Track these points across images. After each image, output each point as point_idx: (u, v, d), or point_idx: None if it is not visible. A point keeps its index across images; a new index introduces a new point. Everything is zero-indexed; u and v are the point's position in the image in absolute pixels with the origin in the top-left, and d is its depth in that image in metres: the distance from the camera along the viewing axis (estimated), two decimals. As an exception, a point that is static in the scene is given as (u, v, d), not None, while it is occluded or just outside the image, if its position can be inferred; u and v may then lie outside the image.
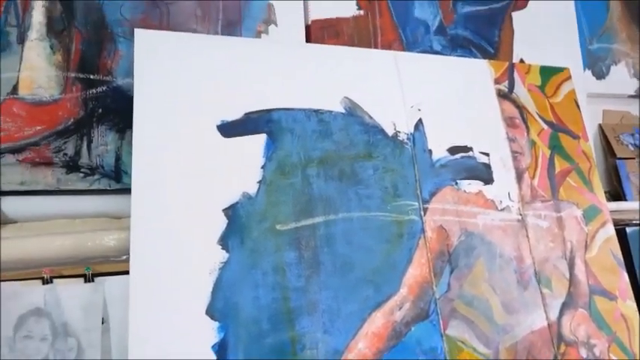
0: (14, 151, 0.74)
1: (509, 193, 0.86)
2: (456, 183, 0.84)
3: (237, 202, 0.71)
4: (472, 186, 0.85)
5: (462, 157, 0.86)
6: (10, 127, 0.74)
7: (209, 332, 0.65)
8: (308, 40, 0.91)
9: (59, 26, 0.79)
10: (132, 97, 0.76)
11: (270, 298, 0.69)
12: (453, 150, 0.86)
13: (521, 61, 1.04)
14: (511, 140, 0.91)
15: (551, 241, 0.86)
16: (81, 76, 0.78)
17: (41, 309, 0.63)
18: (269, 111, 0.77)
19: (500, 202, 0.85)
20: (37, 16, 0.78)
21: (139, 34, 0.75)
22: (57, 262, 0.67)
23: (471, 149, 0.87)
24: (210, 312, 0.65)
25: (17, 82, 0.76)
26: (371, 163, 0.80)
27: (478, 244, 0.81)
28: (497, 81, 0.94)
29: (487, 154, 0.88)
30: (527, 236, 0.84)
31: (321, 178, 0.77)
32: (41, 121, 0.75)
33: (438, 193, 0.82)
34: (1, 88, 0.75)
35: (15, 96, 0.75)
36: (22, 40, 0.77)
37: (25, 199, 0.74)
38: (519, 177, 0.88)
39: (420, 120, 0.85)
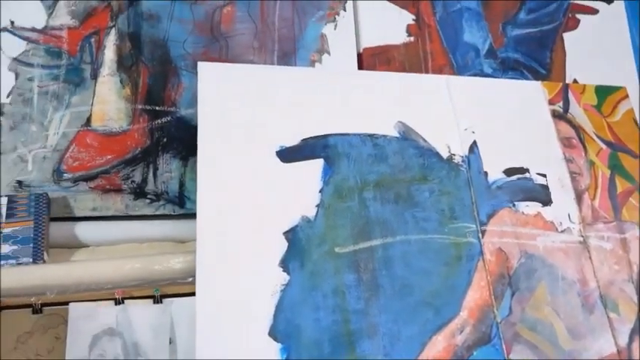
0: (87, 179, 0.79)
1: (569, 215, 0.85)
2: (514, 205, 0.83)
3: (296, 226, 0.73)
4: (530, 208, 0.83)
5: (519, 179, 0.85)
6: (84, 157, 0.79)
7: (272, 353, 0.66)
8: (360, 67, 0.93)
9: (128, 62, 0.84)
10: (194, 127, 0.80)
11: (330, 320, 0.69)
12: (509, 172, 0.85)
13: (575, 81, 1.03)
14: (568, 161, 0.89)
15: (616, 264, 0.83)
16: (147, 107, 0.83)
17: (114, 329, 0.66)
18: (325, 136, 0.79)
19: (560, 223, 0.83)
20: (109, 53, 0.84)
21: (202, 66, 0.79)
22: (127, 284, 0.70)
23: (527, 170, 0.86)
24: (273, 333, 0.67)
25: (90, 115, 0.81)
26: (427, 186, 0.80)
27: (539, 267, 0.79)
28: (551, 102, 0.93)
29: (544, 176, 0.86)
30: (590, 258, 0.82)
31: (377, 201, 0.77)
32: (112, 150, 0.80)
33: (496, 215, 0.81)
34: (76, 121, 0.80)
35: (88, 128, 0.80)
36: (95, 76, 0.82)
37: (96, 224, 0.78)
38: (579, 198, 0.87)
39: (475, 142, 0.85)
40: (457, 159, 0.84)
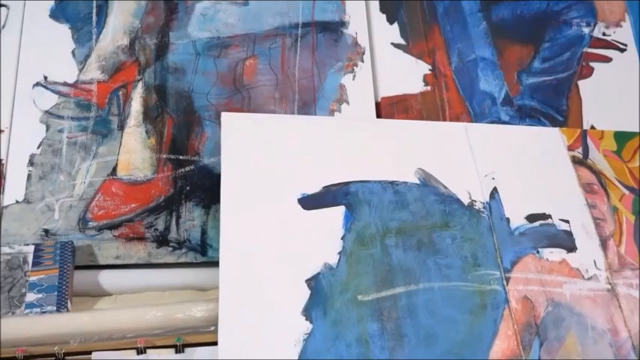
0: (111, 227, 0.80)
1: (594, 261, 0.83)
2: (538, 251, 0.82)
3: (319, 273, 0.72)
4: (554, 254, 0.82)
5: (542, 225, 0.84)
6: (109, 206, 0.80)
7: (296, 405, 0.64)
8: (378, 116, 0.95)
9: (154, 113, 0.87)
10: (217, 175, 0.82)
11: (354, 371, 0.68)
12: (532, 218, 0.84)
13: (592, 127, 1.04)
14: (591, 207, 0.88)
15: (647, 313, 0.81)
16: (171, 157, 0.85)
17: (135, 379, 0.65)
18: (346, 184, 0.80)
19: (587, 270, 0.82)
20: (136, 105, 0.87)
21: (225, 116, 0.82)
22: (150, 332, 0.69)
23: (549, 217, 0.85)
24: (297, 384, 0.65)
25: (116, 165, 0.83)
26: (448, 233, 0.80)
27: (567, 316, 0.77)
28: (570, 148, 0.94)
29: (567, 222, 0.86)
30: (620, 307, 0.80)
31: (399, 248, 0.77)
32: (136, 199, 0.82)
33: (520, 262, 0.80)
34: (103, 171, 0.82)
35: (114, 177, 0.82)
36: (122, 127, 0.85)
37: (119, 273, 0.79)
38: (604, 244, 0.85)
39: (495, 188, 0.85)
40: (478, 205, 0.83)
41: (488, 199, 0.84)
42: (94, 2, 0.91)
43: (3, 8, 0.87)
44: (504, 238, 0.82)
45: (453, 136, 0.90)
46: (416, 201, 0.82)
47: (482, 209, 0.83)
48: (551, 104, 1.05)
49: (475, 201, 0.84)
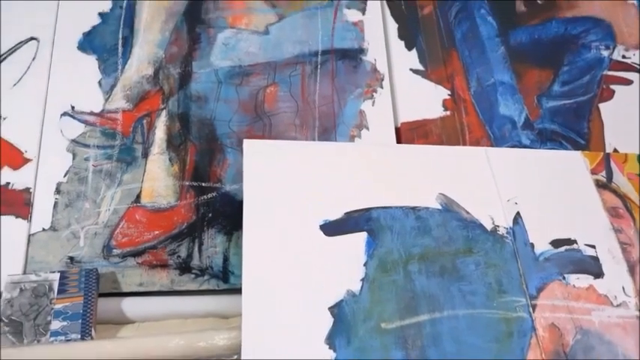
0: (135, 254, 0.80)
1: (623, 288, 0.81)
2: (564, 277, 0.80)
3: (342, 300, 0.72)
4: (581, 280, 0.81)
5: (567, 250, 0.83)
6: (133, 233, 0.81)
7: None
8: (398, 141, 0.95)
9: (177, 141, 0.88)
10: (238, 202, 0.82)
11: (379, 401, 0.67)
12: (556, 243, 0.83)
13: (615, 150, 1.03)
14: (617, 231, 0.87)
15: (679, 341, 0.79)
16: (194, 184, 0.86)
17: (159, 408, 0.65)
18: (368, 209, 0.80)
19: (615, 297, 0.80)
20: (160, 133, 0.88)
21: (247, 143, 0.83)
22: (173, 361, 0.69)
23: (575, 242, 0.84)
24: (321, 415, 0.64)
25: (140, 192, 0.84)
26: (472, 259, 0.79)
27: (597, 344, 0.75)
28: (593, 171, 0.93)
29: (593, 247, 0.84)
30: (651, 335, 0.78)
31: (422, 274, 0.76)
32: (159, 226, 0.82)
33: (546, 289, 0.79)
34: (127, 198, 0.83)
35: (138, 204, 0.83)
36: (146, 154, 0.86)
37: (142, 300, 0.79)
38: (632, 270, 0.83)
39: (518, 213, 0.85)
40: (502, 231, 0.83)
41: (511, 225, 0.83)
42: (120, 34, 0.94)
43: (34, 41, 0.90)
44: (529, 264, 0.80)
45: (473, 160, 0.89)
46: (438, 226, 0.81)
47: (505, 234, 0.82)
48: (573, 127, 1.04)
49: (498, 226, 0.83)
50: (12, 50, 0.89)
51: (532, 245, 0.82)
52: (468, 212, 0.83)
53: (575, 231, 0.85)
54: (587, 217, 0.88)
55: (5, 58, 0.88)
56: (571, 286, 0.80)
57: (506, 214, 0.84)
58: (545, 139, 1.02)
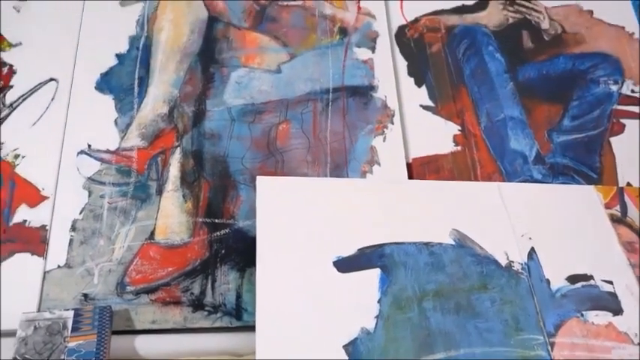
0: (148, 291, 0.80)
1: (643, 325, 0.80)
2: (582, 314, 0.79)
3: (356, 338, 0.71)
4: (600, 317, 0.79)
5: (584, 287, 0.82)
6: (147, 270, 0.82)
7: None
8: (410, 176, 0.96)
9: (191, 178, 0.89)
10: (251, 238, 0.83)
11: None
12: (573, 279, 0.82)
13: (629, 184, 1.02)
14: (634, 266, 0.86)
15: None
16: (207, 220, 0.86)
17: None
18: (381, 245, 0.80)
19: (636, 334, 0.78)
20: (174, 170, 0.89)
21: (260, 180, 0.83)
22: (186, 401, 0.68)
23: (591, 277, 0.83)
24: None
25: (154, 229, 0.85)
26: (487, 295, 0.78)
27: (618, 383, 0.74)
28: (607, 206, 0.92)
29: (610, 282, 0.83)
30: (675, 374, 0.76)
31: (437, 311, 0.76)
32: (173, 263, 0.83)
33: (564, 326, 0.77)
34: (141, 235, 0.84)
35: (152, 241, 0.84)
36: (160, 191, 0.87)
37: (155, 338, 0.79)
38: (651, 306, 0.82)
39: (533, 249, 0.84)
40: (516, 266, 0.82)
41: (526, 260, 0.83)
42: (136, 74, 0.96)
43: (53, 82, 0.93)
44: (546, 301, 0.79)
45: (486, 195, 0.89)
46: (452, 262, 0.81)
47: (520, 270, 0.82)
48: (584, 162, 1.04)
49: (513, 262, 0.82)
50: (32, 91, 0.92)
51: (548, 281, 0.81)
52: (481, 248, 0.83)
53: (592, 266, 0.84)
54: (603, 252, 0.87)
55: (26, 99, 0.91)
56: (590, 323, 0.79)
57: (521, 250, 0.84)
58: (557, 174, 1.02)
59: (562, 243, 0.86)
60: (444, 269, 0.80)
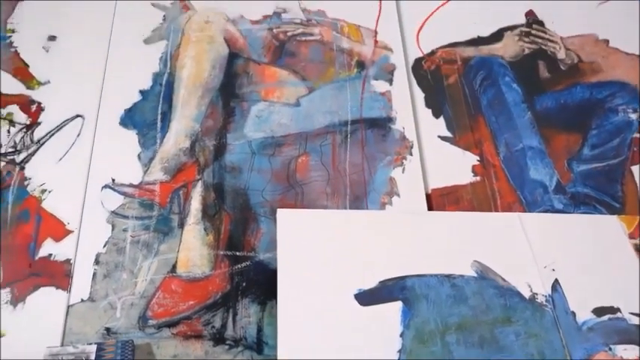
0: (170, 325, 0.81)
1: (674, 359, 0.78)
2: (610, 348, 0.77)
3: (379, 373, 0.70)
4: (629, 351, 0.77)
5: (611, 319, 0.80)
6: (168, 303, 0.82)
7: None
8: (429, 207, 0.96)
9: (212, 211, 0.90)
10: (272, 270, 0.83)
11: None
12: (599, 311, 0.81)
13: (652, 213, 1.01)
14: (662, 298, 0.84)
15: None
16: (228, 253, 0.87)
17: None
18: (402, 278, 0.79)
19: (667, 369, 0.76)
20: (195, 203, 0.90)
21: (281, 213, 0.84)
22: None
23: (618, 310, 0.81)
24: None
25: (176, 262, 0.85)
26: (511, 328, 0.77)
27: (651, 421, 0.71)
28: (631, 236, 0.91)
29: (638, 315, 0.81)
30: None
31: (461, 345, 0.74)
32: (194, 296, 0.83)
33: (592, 360, 0.76)
34: (163, 268, 0.84)
35: (173, 274, 0.84)
36: (182, 224, 0.89)
37: (176, 372, 0.79)
38: (682, 340, 0.80)
39: (557, 280, 0.83)
40: (540, 298, 0.81)
41: (550, 292, 0.82)
42: (159, 109, 0.99)
43: (79, 118, 0.95)
44: (572, 334, 0.78)
45: (507, 226, 0.89)
46: (474, 295, 0.80)
47: (544, 303, 0.80)
48: (606, 191, 1.03)
49: (537, 294, 0.81)
50: (59, 127, 0.94)
51: (573, 314, 0.80)
52: (504, 280, 0.82)
53: (618, 298, 0.83)
54: (629, 283, 0.85)
55: (53, 135, 0.93)
56: (619, 357, 0.77)
57: (544, 281, 0.83)
58: (579, 203, 1.01)
59: (586, 274, 0.85)
60: (467, 302, 0.79)
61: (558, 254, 0.86)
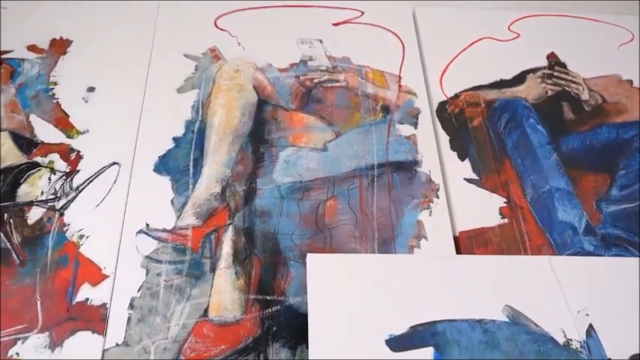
0: (202, 370, 0.81)
1: None
2: (650, 397, 0.75)
3: (413, 422, 0.70)
4: (670, 400, 0.75)
5: (649, 366, 0.78)
6: (200, 347, 0.83)
7: None
8: (458, 250, 0.96)
9: (242, 255, 0.92)
10: (302, 315, 0.83)
11: None
12: (637, 358, 0.79)
13: (686, 255, 0.99)
14: (702, 344, 0.82)
15: None
16: (259, 297, 0.88)
17: None
18: (433, 323, 0.79)
19: None
20: (226, 248, 0.92)
21: (311, 258, 0.85)
22: None
23: (657, 356, 0.79)
24: None
25: (208, 306, 0.87)
26: (547, 376, 0.76)
27: None
28: (666, 279, 0.89)
29: (678, 362, 0.79)
30: None
31: (495, 393, 0.73)
32: (226, 340, 0.84)
33: (631, 410, 0.74)
34: (195, 312, 0.86)
35: (205, 319, 0.85)
36: (213, 269, 0.90)
37: (208, 419, 0.79)
38: None
39: (591, 325, 0.81)
40: (575, 345, 0.79)
41: (585, 338, 0.80)
42: (191, 156, 1.02)
43: (115, 165, 0.99)
44: (609, 382, 0.76)
45: (537, 270, 0.88)
46: (507, 340, 0.79)
47: (580, 349, 0.79)
48: (637, 232, 1.02)
49: (571, 340, 0.80)
50: (96, 174, 0.98)
51: (610, 361, 0.78)
52: (537, 325, 0.81)
53: (655, 344, 0.81)
54: (666, 328, 0.83)
55: (91, 182, 0.97)
56: (659, 407, 0.74)
57: (578, 327, 0.81)
58: (610, 245, 1.00)
59: (621, 319, 0.83)
60: (499, 347, 0.78)
61: (591, 298, 0.85)
